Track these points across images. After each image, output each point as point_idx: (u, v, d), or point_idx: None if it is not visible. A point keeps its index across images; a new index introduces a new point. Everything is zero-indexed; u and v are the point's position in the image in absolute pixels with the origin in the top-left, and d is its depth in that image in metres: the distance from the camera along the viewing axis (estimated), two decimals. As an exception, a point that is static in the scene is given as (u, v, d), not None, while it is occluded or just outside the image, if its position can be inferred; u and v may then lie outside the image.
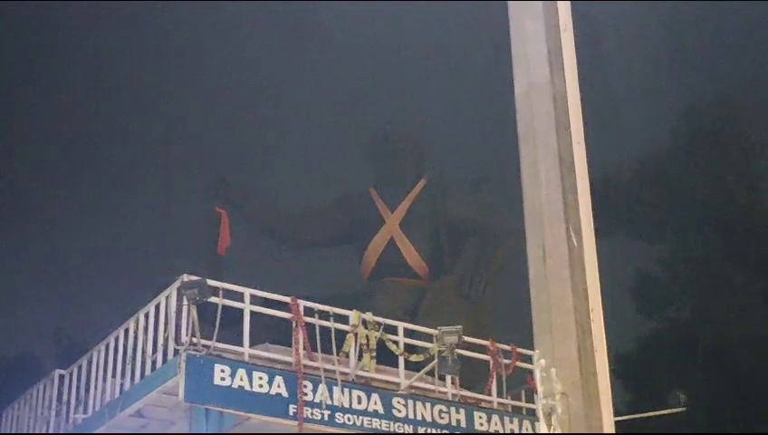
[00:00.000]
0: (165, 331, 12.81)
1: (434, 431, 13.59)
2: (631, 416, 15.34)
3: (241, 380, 12.39)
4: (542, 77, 4.86)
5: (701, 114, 25.32)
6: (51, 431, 14.94)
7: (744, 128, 25.11)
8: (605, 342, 4.63)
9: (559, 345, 4.47)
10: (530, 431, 14.40)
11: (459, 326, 13.36)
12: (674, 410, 15.09)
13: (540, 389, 4.42)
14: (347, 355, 13.46)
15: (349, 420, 12.98)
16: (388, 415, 13.30)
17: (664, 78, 26.97)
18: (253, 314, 13.08)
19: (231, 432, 12.62)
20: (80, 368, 14.75)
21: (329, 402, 12.86)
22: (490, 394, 14.56)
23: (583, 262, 4.59)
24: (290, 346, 13.11)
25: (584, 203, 4.76)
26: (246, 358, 12.72)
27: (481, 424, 14.02)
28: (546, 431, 4.27)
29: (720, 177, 24.59)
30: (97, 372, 14.22)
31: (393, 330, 14.15)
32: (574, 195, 4.70)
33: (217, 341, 12.41)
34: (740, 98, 25.61)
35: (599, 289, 4.69)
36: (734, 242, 24.13)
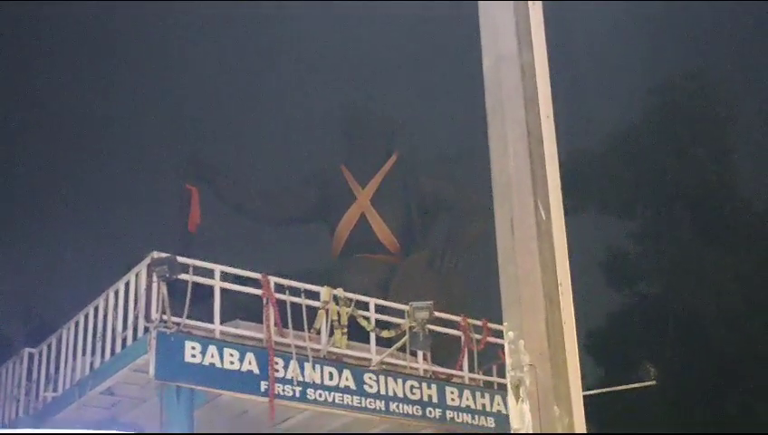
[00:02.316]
0: (135, 308, 12.77)
1: (406, 407, 13.62)
2: (601, 390, 15.41)
3: (212, 357, 12.38)
4: (510, 50, 4.85)
5: (671, 89, 25.39)
6: (20, 410, 14.87)
7: (715, 102, 25.20)
8: (573, 315, 4.64)
9: (527, 318, 4.47)
10: (501, 406, 14.45)
11: (430, 302, 13.40)
12: (644, 384, 15.16)
13: (508, 361, 4.43)
14: (318, 332, 13.46)
15: (320, 396, 12.99)
16: (360, 391, 13.32)
17: (634, 52, 27.02)
18: (223, 290, 13.06)
19: None
20: (49, 346, 14.68)
21: (300, 379, 12.87)
22: (461, 370, 14.60)
23: (551, 235, 4.60)
24: (261, 323, 13.09)
25: (552, 176, 4.76)
26: (217, 335, 12.70)
27: (453, 399, 14.06)
28: (515, 404, 4.28)
29: (690, 152, 24.69)
30: (67, 350, 14.16)
31: (364, 306, 14.16)
32: (542, 168, 4.70)
33: (188, 318, 12.39)
34: (710, 72, 25.69)
35: (567, 262, 4.69)
36: (704, 217, 24.27)
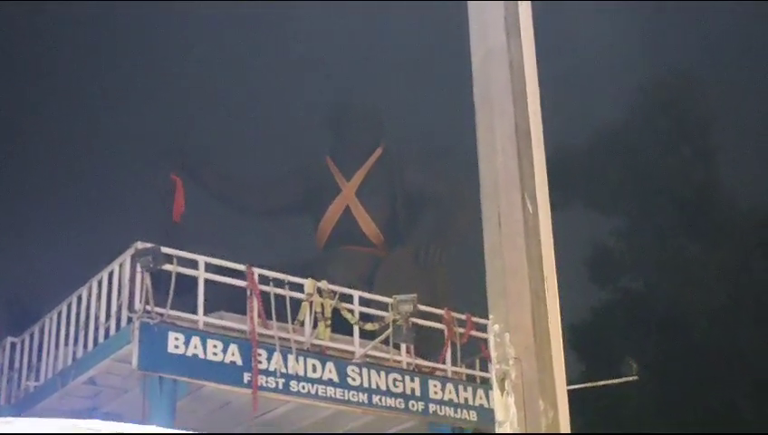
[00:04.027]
0: (118, 298, 12.74)
1: (389, 400, 13.63)
2: (584, 385, 15.47)
3: (195, 348, 12.36)
4: (499, 44, 4.86)
5: (657, 86, 25.45)
6: (2, 399, 14.83)
7: (701, 100, 25.27)
8: (558, 309, 4.65)
9: (513, 311, 4.48)
10: (483, 399, 14.48)
11: (414, 295, 13.41)
12: (626, 380, 15.22)
13: (494, 354, 4.44)
14: (302, 324, 13.45)
15: (303, 388, 12.98)
16: (343, 383, 13.32)
17: (622, 50, 27.07)
18: (207, 281, 13.03)
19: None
20: (32, 335, 14.64)
21: (283, 371, 12.85)
22: (445, 363, 14.62)
23: (538, 229, 4.60)
24: (245, 314, 13.07)
25: (540, 171, 4.77)
26: (201, 326, 12.68)
27: (435, 392, 14.08)
28: (500, 397, 4.29)
29: (676, 149, 24.76)
30: (49, 339, 14.12)
31: (348, 298, 14.15)
32: (530, 162, 4.70)
33: (171, 308, 12.36)
34: (697, 70, 25.76)
35: (553, 257, 4.70)
36: (689, 214, 24.34)
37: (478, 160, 4.75)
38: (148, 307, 12.15)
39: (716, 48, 27.30)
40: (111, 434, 5.06)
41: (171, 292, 12.30)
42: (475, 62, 4.93)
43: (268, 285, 13.34)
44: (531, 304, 4.45)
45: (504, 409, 4.32)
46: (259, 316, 12.99)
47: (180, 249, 12.97)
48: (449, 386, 14.29)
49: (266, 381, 12.68)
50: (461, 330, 14.82)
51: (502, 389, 4.35)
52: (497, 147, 4.71)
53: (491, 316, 4.50)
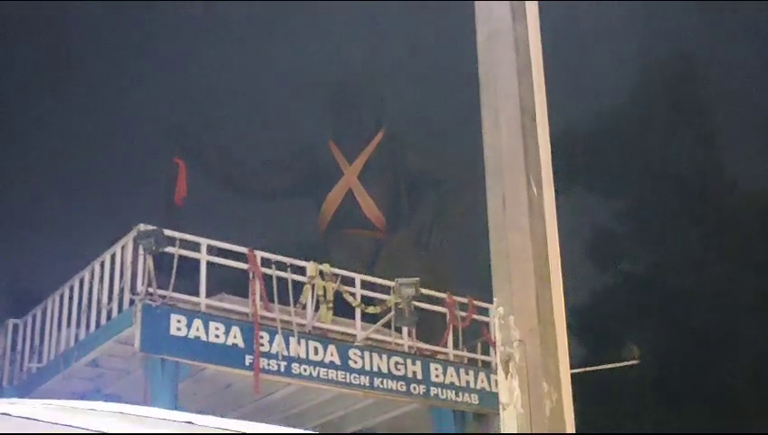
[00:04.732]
0: (121, 280, 12.74)
1: (390, 383, 13.65)
2: (585, 368, 15.47)
3: (197, 330, 12.37)
4: (505, 24, 4.84)
5: (659, 69, 25.39)
6: (4, 381, 14.85)
7: (702, 83, 25.22)
8: (562, 291, 4.64)
9: (517, 294, 4.47)
10: (485, 383, 14.50)
11: (416, 278, 13.41)
12: (627, 364, 15.23)
13: (498, 336, 4.42)
14: (304, 306, 13.46)
15: (305, 370, 13.00)
16: (345, 366, 13.34)
17: (622, 33, 27.00)
18: (209, 264, 13.04)
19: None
20: (34, 317, 14.65)
21: (285, 353, 12.87)
22: (446, 346, 14.63)
23: (543, 211, 4.59)
24: (246, 297, 13.08)
25: (544, 152, 4.75)
26: (203, 308, 12.69)
27: (437, 376, 14.10)
28: (504, 379, 4.28)
29: (677, 131, 24.72)
30: (52, 321, 14.13)
31: (350, 281, 14.16)
32: (535, 143, 4.68)
33: (174, 291, 12.37)
34: (698, 53, 25.70)
35: (557, 239, 4.68)
36: (690, 197, 24.31)
37: (483, 141, 4.74)
38: (151, 289, 12.16)
39: (719, 30, 27.22)
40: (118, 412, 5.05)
41: (173, 274, 12.30)
42: (480, 42, 4.92)
43: (270, 267, 13.35)
44: (535, 287, 4.44)
45: (509, 391, 4.32)
46: (261, 299, 12.99)
47: (182, 232, 12.97)
48: (451, 370, 14.30)
49: (268, 364, 12.70)
50: (463, 314, 14.83)
51: (506, 371, 4.34)
52: (502, 127, 4.69)
53: (495, 299, 4.48)
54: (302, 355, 13.01)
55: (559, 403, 4.30)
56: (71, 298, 13.79)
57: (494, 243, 4.53)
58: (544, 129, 4.74)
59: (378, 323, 13.84)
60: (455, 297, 14.89)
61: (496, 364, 14.56)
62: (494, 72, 4.74)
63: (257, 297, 12.96)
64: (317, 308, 13.53)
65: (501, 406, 4.32)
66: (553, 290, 4.51)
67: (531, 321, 4.35)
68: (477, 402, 14.36)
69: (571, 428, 4.36)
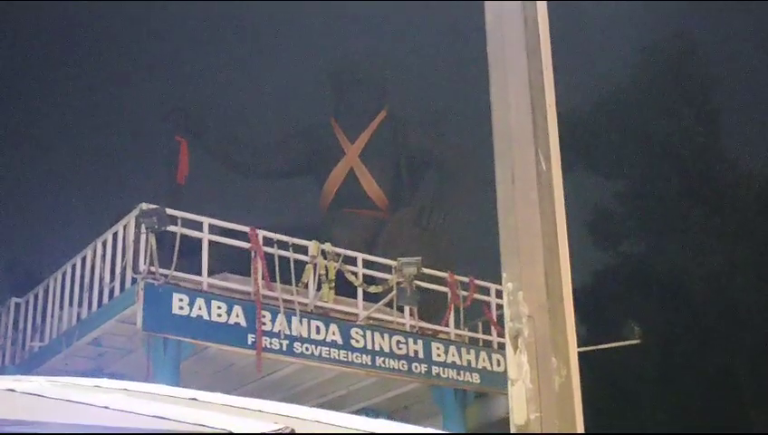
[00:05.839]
0: (123, 259, 12.75)
1: (392, 362, 13.67)
2: (586, 348, 15.48)
3: (199, 309, 12.38)
4: (514, 1, 4.84)
5: (660, 49, 25.33)
6: (6, 359, 14.87)
7: (702, 63, 25.17)
8: (569, 267, 4.63)
9: (526, 269, 4.45)
10: (486, 362, 14.52)
11: (418, 258, 13.43)
12: (628, 343, 15.24)
13: (507, 312, 4.42)
14: (306, 286, 13.47)
15: (307, 349, 13.02)
16: (347, 345, 13.36)
17: (622, 12, 26.93)
18: (212, 243, 13.04)
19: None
20: (36, 296, 14.66)
21: (287, 332, 12.89)
22: (448, 326, 14.65)
23: (552, 186, 4.57)
24: (249, 276, 13.09)
25: (552, 128, 4.74)
26: (205, 287, 12.70)
27: (438, 355, 14.12)
28: (512, 355, 4.28)
29: (678, 112, 24.68)
30: (54, 300, 14.14)
31: (352, 261, 14.17)
32: (543, 119, 4.67)
33: (176, 270, 12.37)
34: (698, 33, 25.64)
35: (564, 214, 4.68)
36: (690, 178, 24.30)
37: (491, 117, 4.73)
38: (153, 268, 12.16)
39: (720, 10, 27.15)
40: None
41: (176, 253, 12.30)
42: (488, 20, 4.91)
43: (272, 247, 13.36)
44: (544, 261, 4.43)
45: (517, 367, 4.31)
46: (263, 278, 13.00)
47: (185, 211, 12.97)
48: (452, 349, 14.33)
49: (270, 343, 12.72)
50: (464, 293, 14.85)
51: (515, 347, 4.34)
52: (511, 102, 4.67)
53: (504, 274, 4.48)
54: (304, 334, 13.03)
55: (568, 379, 4.30)
56: (73, 277, 13.80)
57: (503, 218, 4.52)
58: (552, 105, 4.74)
59: (380, 303, 13.86)
60: (456, 277, 14.90)
61: (497, 343, 14.66)
62: (502, 47, 4.74)
63: (259, 276, 12.97)
64: (319, 287, 13.55)
65: (509, 381, 4.32)
66: (562, 266, 4.51)
67: (540, 296, 4.34)
68: (479, 381, 14.39)
69: (578, 404, 4.36)
